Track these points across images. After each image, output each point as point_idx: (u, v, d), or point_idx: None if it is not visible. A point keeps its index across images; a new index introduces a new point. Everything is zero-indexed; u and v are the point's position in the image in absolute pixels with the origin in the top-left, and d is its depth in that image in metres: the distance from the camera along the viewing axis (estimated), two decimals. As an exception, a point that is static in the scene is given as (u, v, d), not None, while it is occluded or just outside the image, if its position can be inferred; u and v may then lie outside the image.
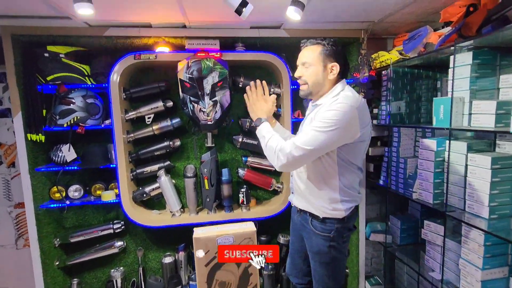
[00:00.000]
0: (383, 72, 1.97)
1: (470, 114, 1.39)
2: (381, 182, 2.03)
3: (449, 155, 1.47)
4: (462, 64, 1.41)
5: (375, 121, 2.12)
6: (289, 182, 1.57)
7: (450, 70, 1.44)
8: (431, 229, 1.65)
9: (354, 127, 1.21)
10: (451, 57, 1.43)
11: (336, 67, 1.30)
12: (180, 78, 1.80)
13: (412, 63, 1.80)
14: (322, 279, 1.40)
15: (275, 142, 1.26)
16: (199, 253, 1.08)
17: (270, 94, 1.55)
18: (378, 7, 1.62)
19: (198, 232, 1.08)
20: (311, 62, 1.31)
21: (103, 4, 1.48)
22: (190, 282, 2.08)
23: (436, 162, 1.56)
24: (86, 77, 1.87)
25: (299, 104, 2.16)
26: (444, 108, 1.45)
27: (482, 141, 1.49)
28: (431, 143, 1.58)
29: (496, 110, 1.25)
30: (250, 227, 1.08)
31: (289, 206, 2.09)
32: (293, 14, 1.12)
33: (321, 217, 1.33)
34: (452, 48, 1.40)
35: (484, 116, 1.31)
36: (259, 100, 1.47)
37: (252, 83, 1.56)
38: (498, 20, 1.19)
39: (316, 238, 1.35)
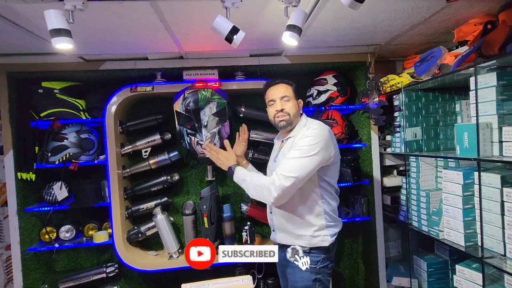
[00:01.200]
0: (394, 96, 1.82)
1: (500, 142, 1.21)
2: (401, 217, 1.81)
3: (480, 189, 1.26)
4: (485, 86, 1.25)
5: (389, 149, 1.94)
6: None
7: (472, 93, 1.29)
8: (465, 276, 1.40)
9: (330, 147, 1.28)
10: (471, 79, 1.28)
11: (301, 103, 1.43)
12: (176, 110, 1.72)
13: (426, 86, 1.65)
14: None
15: (260, 179, 1.29)
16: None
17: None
18: (383, 29, 1.51)
19: (185, 291, 0.90)
20: (290, 96, 1.37)
21: (96, 39, 1.45)
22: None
23: (465, 197, 1.35)
24: (81, 112, 1.81)
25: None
26: (468, 135, 1.27)
27: (518, 172, 1.28)
28: (457, 175, 1.38)
29: (533, 138, 1.07)
30: (247, 283, 0.89)
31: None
32: (290, 40, 1.01)
33: (308, 247, 1.29)
34: (472, 68, 1.25)
35: (518, 144, 1.13)
36: (219, 154, 1.50)
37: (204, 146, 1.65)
38: (524, 36, 1.04)
39: (300, 272, 1.28)
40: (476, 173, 1.29)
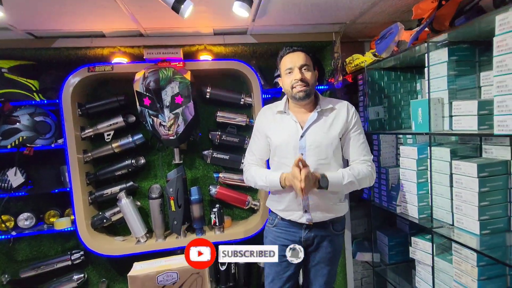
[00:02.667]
0: (359, 76, 1.84)
1: (450, 116, 1.25)
2: (364, 195, 1.86)
3: (431, 163, 1.31)
4: (438, 62, 1.28)
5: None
6: (270, 201, 1.45)
7: (426, 70, 1.31)
8: (419, 247, 1.47)
9: None
10: (426, 55, 1.30)
11: (317, 75, 1.36)
12: (136, 90, 1.65)
13: (388, 64, 1.67)
14: (332, 278, 1.44)
15: (360, 172, 1.27)
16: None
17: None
18: (345, 5, 1.50)
19: (136, 269, 0.89)
20: (310, 65, 1.31)
21: (48, 12, 1.35)
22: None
23: (419, 171, 1.40)
24: (34, 93, 1.70)
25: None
26: (422, 111, 1.31)
27: (467, 145, 1.34)
28: (412, 150, 1.42)
29: (478, 111, 1.10)
30: None
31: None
32: (240, 10, 0.98)
33: (343, 215, 1.39)
34: (425, 44, 1.26)
35: (466, 118, 1.17)
36: (305, 181, 1.17)
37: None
38: (472, 10, 1.06)
39: (338, 239, 1.40)
40: (429, 148, 1.34)
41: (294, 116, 1.33)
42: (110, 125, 1.83)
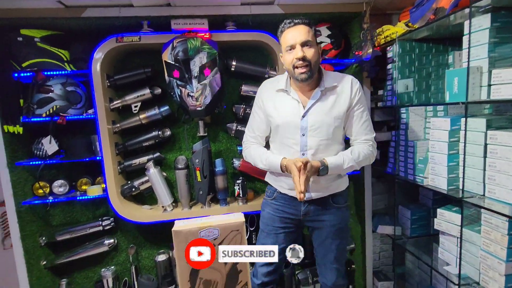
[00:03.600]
0: (388, 48, 1.79)
1: (489, 85, 1.21)
2: (388, 169, 1.86)
3: (465, 134, 1.29)
4: (478, 29, 1.23)
5: (380, 104, 1.95)
6: (270, 177, 1.46)
7: (465, 38, 1.27)
8: (445, 218, 1.48)
9: None
10: (466, 23, 1.26)
11: (321, 49, 1.33)
12: (165, 61, 1.66)
13: (421, 35, 1.62)
14: (342, 254, 1.45)
15: (360, 153, 1.28)
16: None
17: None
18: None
19: (179, 225, 0.93)
20: (312, 41, 1.22)
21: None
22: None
23: (450, 143, 1.39)
24: (65, 63, 1.73)
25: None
26: (458, 80, 1.28)
27: (503, 116, 1.31)
28: (444, 122, 1.40)
29: (521, 78, 1.07)
30: (238, 217, 0.93)
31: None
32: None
33: (345, 188, 1.40)
34: (467, 10, 1.22)
35: (505, 86, 1.14)
36: (305, 184, 1.19)
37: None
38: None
39: (341, 213, 1.39)
40: (462, 120, 1.32)
41: (296, 94, 1.29)
42: (137, 96, 1.86)
